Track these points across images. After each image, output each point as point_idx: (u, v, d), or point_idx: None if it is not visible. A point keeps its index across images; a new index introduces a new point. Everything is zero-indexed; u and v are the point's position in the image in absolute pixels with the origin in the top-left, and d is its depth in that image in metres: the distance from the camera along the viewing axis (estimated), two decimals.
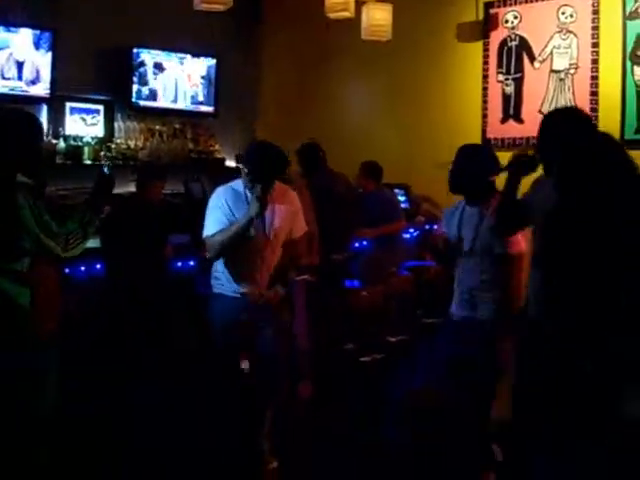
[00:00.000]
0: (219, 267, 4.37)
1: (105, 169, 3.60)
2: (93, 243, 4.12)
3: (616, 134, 6.46)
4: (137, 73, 7.94)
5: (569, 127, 3.38)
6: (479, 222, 4.00)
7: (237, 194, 4.25)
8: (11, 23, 6.94)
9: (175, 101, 8.33)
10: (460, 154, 4.10)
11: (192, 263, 5.60)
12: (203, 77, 8.51)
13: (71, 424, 3.88)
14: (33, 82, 7.09)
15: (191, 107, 8.47)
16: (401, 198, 7.71)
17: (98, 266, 5.13)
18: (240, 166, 4.33)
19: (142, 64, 7.97)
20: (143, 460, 4.29)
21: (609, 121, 6.49)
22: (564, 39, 7.32)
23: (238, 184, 4.30)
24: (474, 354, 3.96)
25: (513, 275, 3.93)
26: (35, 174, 3.33)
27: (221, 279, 4.37)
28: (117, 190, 3.82)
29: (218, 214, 4.20)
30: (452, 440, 4.17)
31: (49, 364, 3.32)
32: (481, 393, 3.99)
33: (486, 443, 4.02)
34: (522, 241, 3.89)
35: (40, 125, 3.46)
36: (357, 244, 6.81)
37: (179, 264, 5.62)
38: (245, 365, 4.29)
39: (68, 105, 7.51)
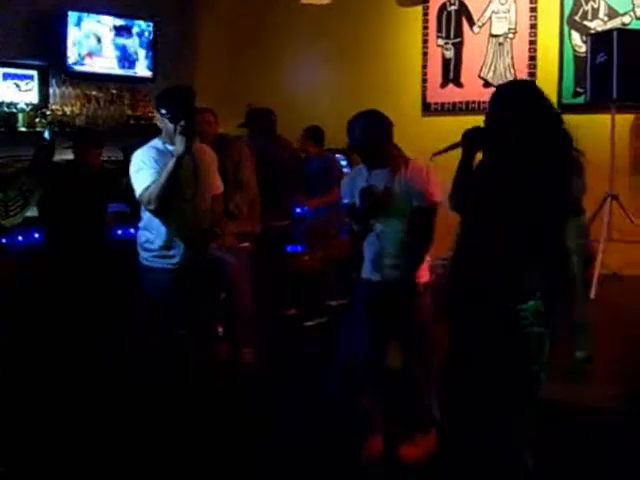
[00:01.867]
0: (149, 236, 4.25)
1: (46, 135, 3.54)
2: (31, 212, 4.06)
3: (553, 98, 6.45)
4: (72, 37, 7.75)
5: (522, 101, 3.41)
6: (391, 185, 4.01)
7: (159, 151, 4.16)
8: None
9: (111, 66, 8.17)
10: (355, 123, 4.08)
11: (132, 231, 5.54)
12: (140, 41, 8.36)
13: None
14: None
15: (128, 72, 8.32)
16: (343, 163, 7.71)
17: (36, 235, 5.05)
18: (158, 115, 4.24)
19: (77, 28, 7.78)
20: (82, 434, 4.26)
21: (547, 85, 6.41)
22: (503, 4, 7.37)
23: (156, 142, 4.23)
24: (401, 312, 4.06)
25: (431, 226, 4.04)
26: None
27: (153, 250, 4.25)
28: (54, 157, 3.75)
29: (146, 170, 4.08)
30: (393, 401, 4.23)
31: None
32: (411, 351, 4.07)
33: (425, 402, 4.11)
34: (438, 192, 3.98)
35: None
36: (299, 209, 6.81)
37: (119, 232, 5.56)
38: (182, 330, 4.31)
39: (0, 71, 7.30)
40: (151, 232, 4.23)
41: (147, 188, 4.04)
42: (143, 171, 4.09)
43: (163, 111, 4.09)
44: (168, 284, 4.22)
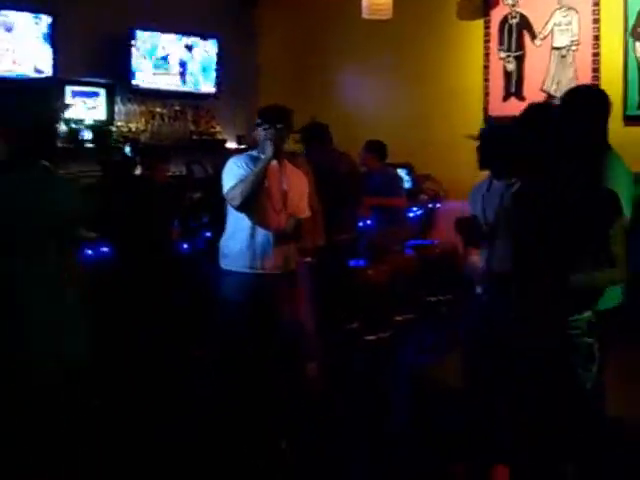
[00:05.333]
0: (230, 241, 4.52)
1: (127, 149, 3.63)
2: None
3: (618, 110, 6.45)
4: (137, 55, 7.91)
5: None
6: (500, 203, 3.70)
7: (252, 157, 4.51)
8: (11, 7, 6.93)
9: (176, 83, 8.32)
10: (490, 130, 3.97)
11: (200, 245, 5.64)
12: (203, 59, 8.49)
13: None
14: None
15: (192, 89, 8.46)
16: (404, 177, 7.71)
17: (104, 249, 5.12)
18: (256, 127, 4.54)
19: (142, 46, 7.95)
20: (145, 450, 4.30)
21: (611, 97, 6.47)
22: (565, 16, 7.31)
23: (252, 152, 4.60)
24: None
25: None
26: (53, 156, 3.29)
27: (231, 255, 4.49)
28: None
29: (236, 170, 4.43)
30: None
31: None
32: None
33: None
34: None
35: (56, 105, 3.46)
36: (361, 224, 6.81)
37: (185, 246, 5.64)
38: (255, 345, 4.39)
39: (69, 89, 7.49)
40: (233, 238, 4.52)
41: (234, 186, 4.37)
42: (234, 170, 4.45)
43: (258, 121, 4.47)
44: (245, 287, 4.44)
